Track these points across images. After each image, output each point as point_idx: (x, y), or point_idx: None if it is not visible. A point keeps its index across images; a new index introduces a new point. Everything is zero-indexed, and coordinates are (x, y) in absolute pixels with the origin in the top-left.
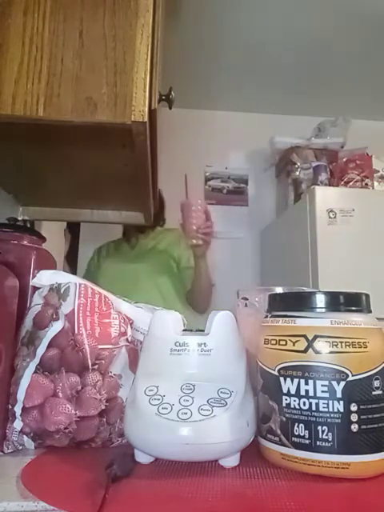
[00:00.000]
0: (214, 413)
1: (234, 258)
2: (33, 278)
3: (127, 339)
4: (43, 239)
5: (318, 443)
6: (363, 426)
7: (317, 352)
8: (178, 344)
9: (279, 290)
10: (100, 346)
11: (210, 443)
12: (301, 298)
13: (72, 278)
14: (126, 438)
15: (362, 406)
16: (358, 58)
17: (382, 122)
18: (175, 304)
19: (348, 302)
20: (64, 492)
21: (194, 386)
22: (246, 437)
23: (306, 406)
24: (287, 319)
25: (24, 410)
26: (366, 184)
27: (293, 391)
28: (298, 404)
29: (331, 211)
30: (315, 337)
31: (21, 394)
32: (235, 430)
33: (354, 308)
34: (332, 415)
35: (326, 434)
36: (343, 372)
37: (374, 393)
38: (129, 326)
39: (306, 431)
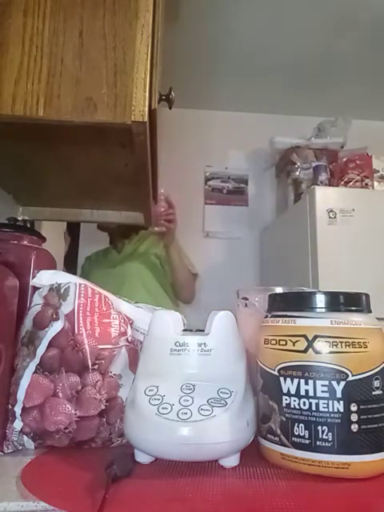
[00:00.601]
0: (213, 413)
1: (233, 258)
2: (33, 278)
3: (127, 339)
4: (43, 239)
5: (318, 443)
6: (363, 426)
7: (317, 352)
8: (178, 344)
9: (279, 289)
10: (100, 346)
11: (210, 443)
12: (301, 297)
13: (72, 278)
14: (125, 438)
15: (361, 406)
16: (357, 58)
17: (381, 122)
18: (163, 299)
19: (348, 301)
20: (64, 492)
21: (193, 386)
22: (246, 437)
23: (306, 406)
24: (287, 319)
25: (24, 410)
26: (366, 184)
27: (293, 391)
28: (298, 404)
29: (331, 211)
30: (315, 337)
31: (21, 394)
32: (235, 430)
33: (353, 308)
34: (332, 415)
35: (326, 434)
36: (343, 372)
37: (373, 393)
38: (129, 326)
39: (306, 431)
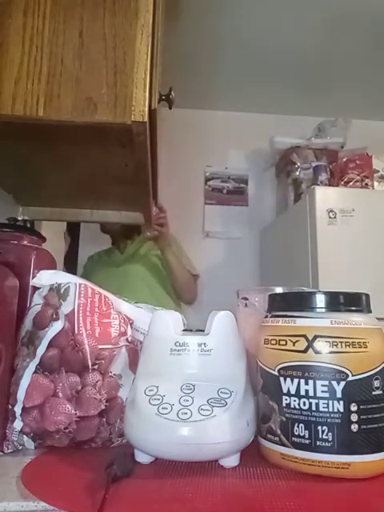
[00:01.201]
0: (213, 413)
1: (233, 257)
2: (33, 278)
3: (127, 339)
4: (43, 239)
5: (318, 443)
6: (363, 426)
7: (317, 352)
8: (178, 344)
9: (279, 289)
10: (100, 346)
11: (210, 443)
12: (301, 297)
13: (72, 278)
14: (125, 438)
15: (362, 406)
16: (357, 58)
17: (381, 122)
18: (165, 300)
19: (348, 301)
20: (64, 492)
21: (194, 386)
22: (246, 437)
23: (306, 406)
24: (287, 319)
25: (24, 410)
26: (366, 184)
27: (293, 391)
28: (298, 404)
29: (331, 211)
30: (315, 337)
31: (21, 394)
32: (235, 430)
33: (353, 308)
34: (332, 415)
35: (326, 434)
36: (343, 372)
37: (373, 393)
38: (129, 326)
39: (306, 431)
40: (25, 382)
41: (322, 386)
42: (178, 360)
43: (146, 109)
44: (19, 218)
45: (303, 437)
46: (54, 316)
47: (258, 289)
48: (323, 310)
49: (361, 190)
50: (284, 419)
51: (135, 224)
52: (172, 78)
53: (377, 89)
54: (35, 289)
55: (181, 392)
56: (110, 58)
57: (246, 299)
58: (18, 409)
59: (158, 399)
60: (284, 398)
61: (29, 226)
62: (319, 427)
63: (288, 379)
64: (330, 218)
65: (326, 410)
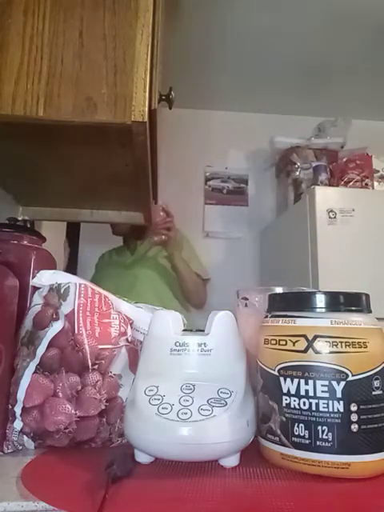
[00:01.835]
0: (213, 413)
1: (233, 257)
2: (33, 278)
3: (127, 339)
4: (43, 239)
5: (318, 443)
6: (363, 426)
7: (317, 352)
8: (178, 344)
9: (279, 289)
10: (100, 346)
11: (210, 443)
12: (301, 297)
13: (72, 278)
14: (125, 438)
15: (362, 406)
16: (357, 58)
17: (381, 122)
18: (172, 303)
19: (348, 302)
20: (64, 492)
21: (193, 386)
22: (246, 437)
23: (306, 406)
24: (287, 319)
25: (24, 410)
26: (366, 184)
27: (293, 391)
28: (298, 404)
29: (331, 211)
30: (315, 337)
31: (21, 394)
32: (235, 430)
33: (353, 308)
34: (332, 415)
35: (326, 434)
36: (343, 372)
37: (373, 393)
38: (129, 326)
39: (306, 431)
40: (25, 382)
41: (322, 386)
42: (178, 360)
43: (146, 109)
44: (19, 218)
45: (303, 437)
46: (54, 316)
47: (258, 289)
48: (323, 310)
49: (361, 190)
50: (284, 419)
51: (138, 224)
52: (172, 78)
53: (377, 89)
54: (35, 289)
55: (181, 392)
56: (110, 57)
57: (246, 299)
58: (17, 409)
59: (158, 399)
60: (284, 397)
61: (29, 226)
62: (319, 427)
63: (288, 379)
64: (329, 218)
65: (326, 410)
